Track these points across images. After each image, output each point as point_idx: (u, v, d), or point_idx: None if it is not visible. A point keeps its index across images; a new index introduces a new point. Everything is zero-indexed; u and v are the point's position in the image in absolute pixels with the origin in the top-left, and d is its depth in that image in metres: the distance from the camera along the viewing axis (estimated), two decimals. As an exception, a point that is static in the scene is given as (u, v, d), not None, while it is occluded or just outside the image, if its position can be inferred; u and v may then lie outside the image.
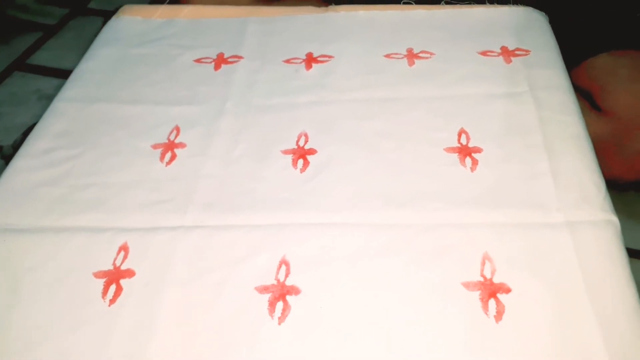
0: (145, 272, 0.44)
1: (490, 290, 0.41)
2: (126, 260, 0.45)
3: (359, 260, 0.44)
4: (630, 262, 0.43)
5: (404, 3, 0.76)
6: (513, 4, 0.71)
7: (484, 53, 0.62)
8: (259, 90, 0.60)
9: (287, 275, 0.43)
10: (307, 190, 0.49)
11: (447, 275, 0.42)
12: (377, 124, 0.55)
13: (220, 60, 0.64)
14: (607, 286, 0.41)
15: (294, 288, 0.42)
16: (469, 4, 0.73)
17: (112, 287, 0.43)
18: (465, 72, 0.59)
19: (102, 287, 0.43)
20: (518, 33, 0.64)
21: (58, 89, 0.63)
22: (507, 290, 0.41)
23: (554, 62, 0.60)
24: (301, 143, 0.53)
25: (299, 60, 0.63)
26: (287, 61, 0.63)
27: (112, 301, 0.42)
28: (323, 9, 0.71)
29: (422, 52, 0.62)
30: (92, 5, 1.31)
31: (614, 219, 0.45)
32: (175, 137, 0.55)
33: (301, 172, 0.51)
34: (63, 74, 1.01)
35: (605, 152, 0.67)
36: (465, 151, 0.51)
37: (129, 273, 0.44)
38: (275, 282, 0.43)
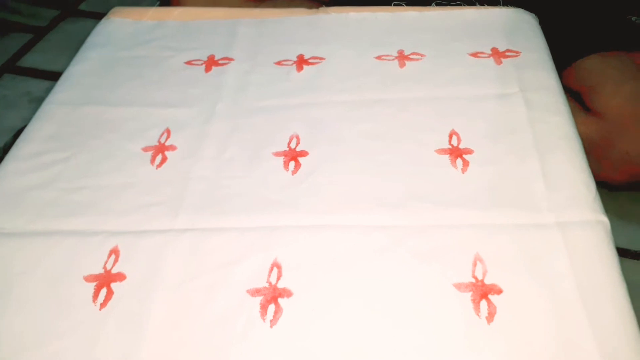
0: (136, 275, 0.44)
1: (482, 292, 0.41)
2: (117, 264, 0.44)
3: (350, 263, 0.44)
4: (621, 261, 0.43)
5: (395, 4, 0.76)
6: (503, 5, 0.71)
7: (474, 54, 0.62)
8: (250, 92, 0.60)
9: (278, 278, 0.43)
10: (299, 193, 0.49)
11: (439, 276, 0.42)
12: (368, 125, 0.55)
13: (211, 62, 0.64)
14: (598, 286, 0.41)
15: (286, 290, 0.42)
16: (460, 5, 0.73)
17: (103, 291, 0.43)
18: (456, 73, 0.60)
19: (92, 290, 0.43)
20: (508, 34, 0.64)
21: (49, 91, 0.62)
22: (499, 291, 0.41)
23: (544, 63, 0.60)
24: (292, 145, 0.53)
25: (290, 62, 0.63)
26: (279, 63, 0.63)
27: (103, 305, 0.42)
28: (314, 10, 0.71)
29: (412, 53, 0.63)
30: (82, 7, 1.30)
31: (604, 219, 0.45)
32: (166, 139, 0.55)
33: (293, 174, 0.51)
34: (53, 76, 1.00)
35: (595, 152, 0.68)
36: (457, 152, 0.51)
37: (120, 276, 0.44)
38: (267, 285, 0.43)
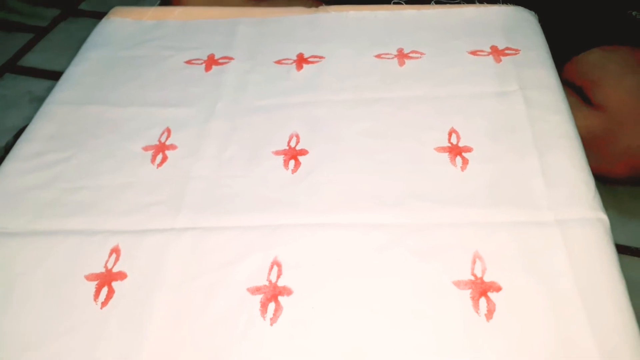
0: (137, 274, 0.44)
1: (481, 289, 0.41)
2: (118, 263, 0.45)
3: (350, 261, 0.44)
4: (621, 258, 0.43)
5: (394, 3, 0.76)
6: (503, 3, 0.71)
7: (474, 52, 0.62)
8: (250, 91, 0.60)
9: (279, 276, 0.43)
10: (299, 191, 0.49)
11: (438, 274, 0.42)
12: (368, 124, 0.55)
13: (211, 62, 0.64)
14: (597, 283, 0.41)
15: (286, 289, 0.42)
16: (459, 3, 0.73)
17: (104, 290, 0.43)
18: (456, 71, 0.60)
19: (94, 290, 0.43)
20: (508, 32, 0.64)
21: (49, 90, 0.63)
22: (498, 289, 0.41)
23: (544, 61, 0.60)
24: (292, 144, 0.54)
25: (290, 61, 0.63)
26: (278, 62, 0.64)
27: (104, 304, 0.42)
28: (314, 9, 0.71)
29: (412, 52, 0.63)
30: (83, 6, 1.30)
31: (604, 217, 0.45)
32: (166, 138, 0.55)
33: (293, 173, 0.51)
34: (54, 76, 1.01)
35: (597, 146, 0.68)
36: (456, 150, 0.51)
37: (121, 275, 0.44)
38: (267, 283, 0.43)
